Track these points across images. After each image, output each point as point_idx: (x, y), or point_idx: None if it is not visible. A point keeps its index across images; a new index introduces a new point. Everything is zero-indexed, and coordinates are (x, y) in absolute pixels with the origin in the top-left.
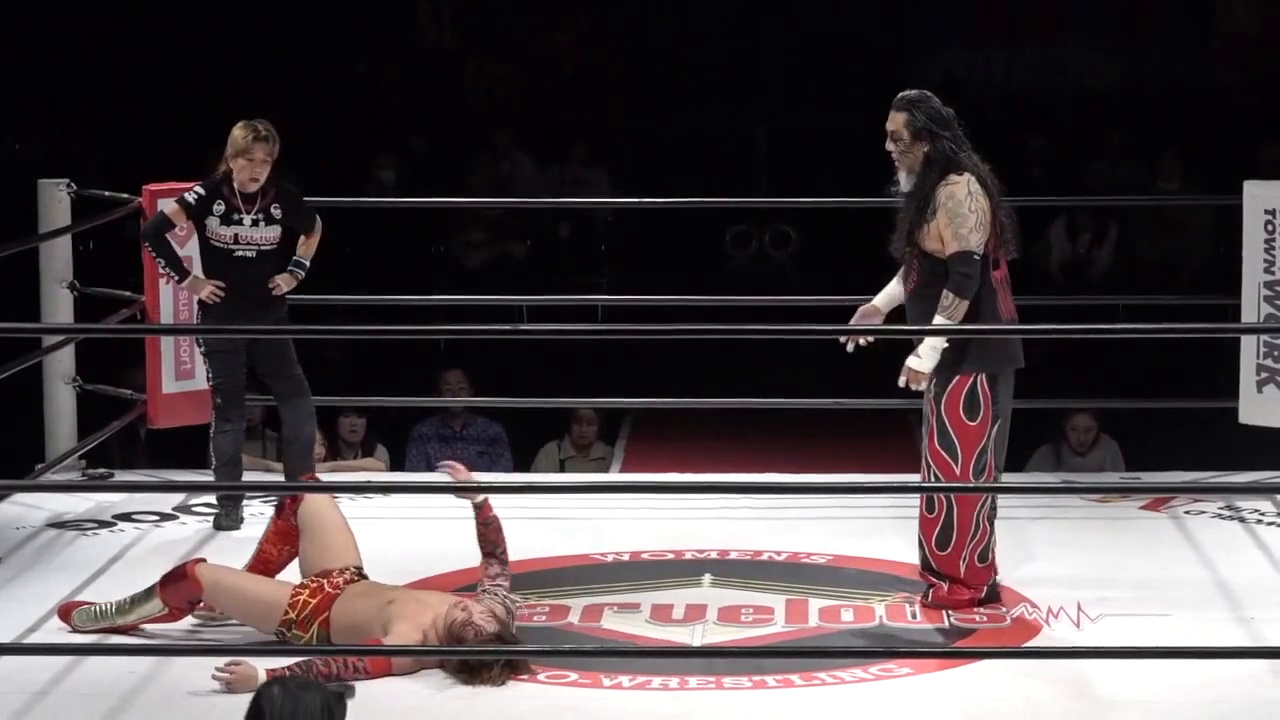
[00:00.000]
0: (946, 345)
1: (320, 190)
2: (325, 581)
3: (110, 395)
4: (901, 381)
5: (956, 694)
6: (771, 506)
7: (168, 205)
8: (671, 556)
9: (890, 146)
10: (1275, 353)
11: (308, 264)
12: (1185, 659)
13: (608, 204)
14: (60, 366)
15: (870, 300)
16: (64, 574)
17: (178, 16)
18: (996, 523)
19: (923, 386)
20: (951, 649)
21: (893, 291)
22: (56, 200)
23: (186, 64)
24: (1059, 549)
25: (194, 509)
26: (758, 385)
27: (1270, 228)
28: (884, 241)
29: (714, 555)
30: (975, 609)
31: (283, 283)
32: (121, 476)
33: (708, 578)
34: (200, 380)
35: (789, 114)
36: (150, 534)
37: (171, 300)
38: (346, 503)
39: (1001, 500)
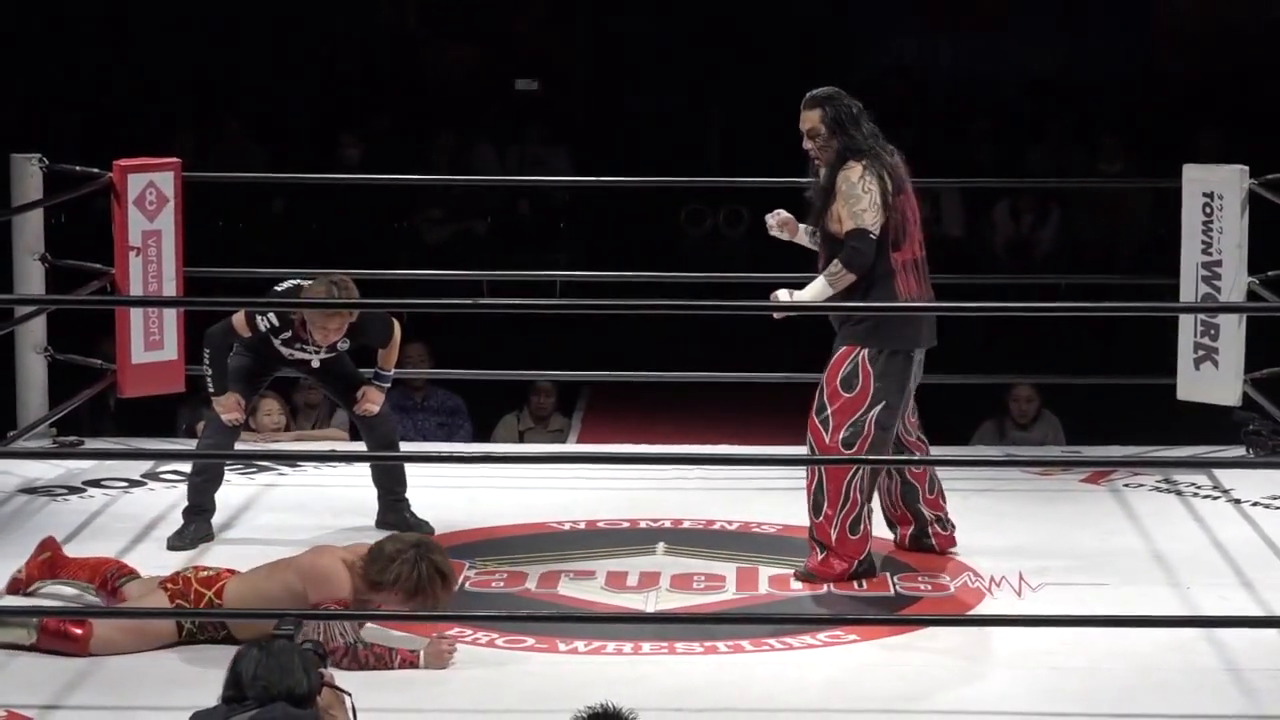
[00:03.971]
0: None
1: (287, 168)
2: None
3: (80, 365)
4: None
5: (901, 660)
6: (724, 477)
7: (237, 318)
8: (627, 525)
9: (808, 145)
10: (1212, 331)
11: (391, 373)
12: (1123, 627)
13: (566, 183)
14: (32, 336)
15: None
16: (35, 537)
17: None
18: (949, 496)
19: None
20: (897, 616)
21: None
22: (29, 174)
23: (157, 44)
24: (1002, 520)
25: (161, 476)
26: (710, 359)
27: (1208, 210)
28: None
29: (668, 524)
30: (916, 580)
31: (372, 402)
32: (91, 444)
33: (662, 546)
34: (169, 351)
35: (743, 97)
36: (119, 500)
37: (141, 273)
38: (310, 471)
39: (946, 473)
